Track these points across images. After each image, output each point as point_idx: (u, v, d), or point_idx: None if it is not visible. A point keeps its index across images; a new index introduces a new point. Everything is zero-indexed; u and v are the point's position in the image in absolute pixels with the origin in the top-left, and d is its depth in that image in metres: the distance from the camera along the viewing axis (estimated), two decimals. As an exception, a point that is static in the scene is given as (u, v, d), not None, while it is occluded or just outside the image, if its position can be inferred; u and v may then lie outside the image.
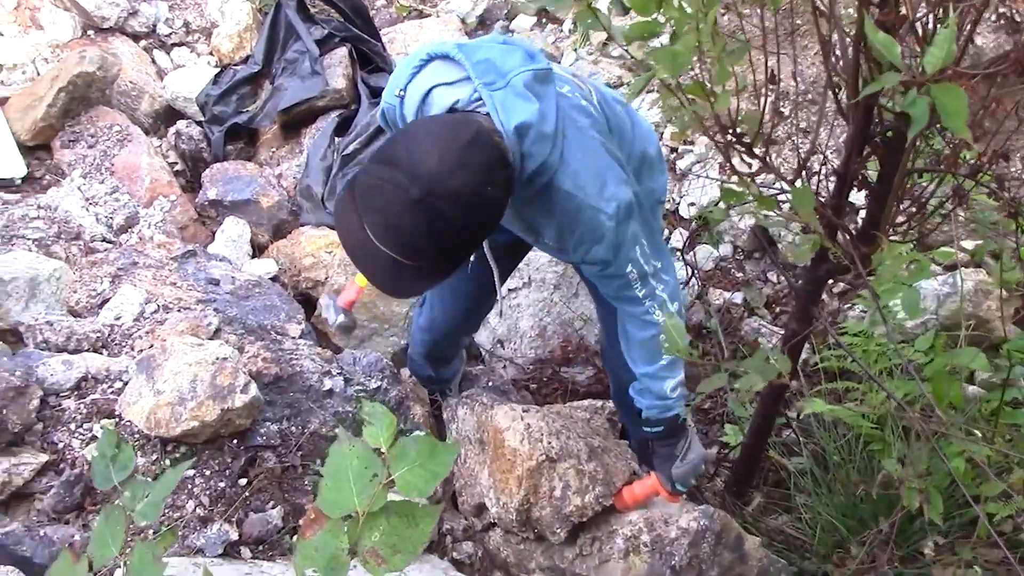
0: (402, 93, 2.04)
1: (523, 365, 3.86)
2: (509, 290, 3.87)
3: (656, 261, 2.16)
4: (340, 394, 3.13)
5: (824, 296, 4.18)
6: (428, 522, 1.71)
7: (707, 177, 4.32)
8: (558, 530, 2.72)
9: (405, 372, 3.66)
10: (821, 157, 2.46)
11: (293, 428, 2.97)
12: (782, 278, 4.25)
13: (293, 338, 3.32)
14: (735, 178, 2.13)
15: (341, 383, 3.15)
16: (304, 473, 2.92)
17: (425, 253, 1.80)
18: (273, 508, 2.77)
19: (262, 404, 2.91)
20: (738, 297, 4.22)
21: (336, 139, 4.49)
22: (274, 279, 3.95)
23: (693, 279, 4.15)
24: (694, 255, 4.24)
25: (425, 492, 1.68)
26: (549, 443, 2.76)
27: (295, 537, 2.76)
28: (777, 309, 4.19)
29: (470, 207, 1.77)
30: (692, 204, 4.41)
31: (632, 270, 2.12)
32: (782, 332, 4.01)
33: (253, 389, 2.81)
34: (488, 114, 1.89)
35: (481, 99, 1.90)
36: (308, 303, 3.95)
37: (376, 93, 4.74)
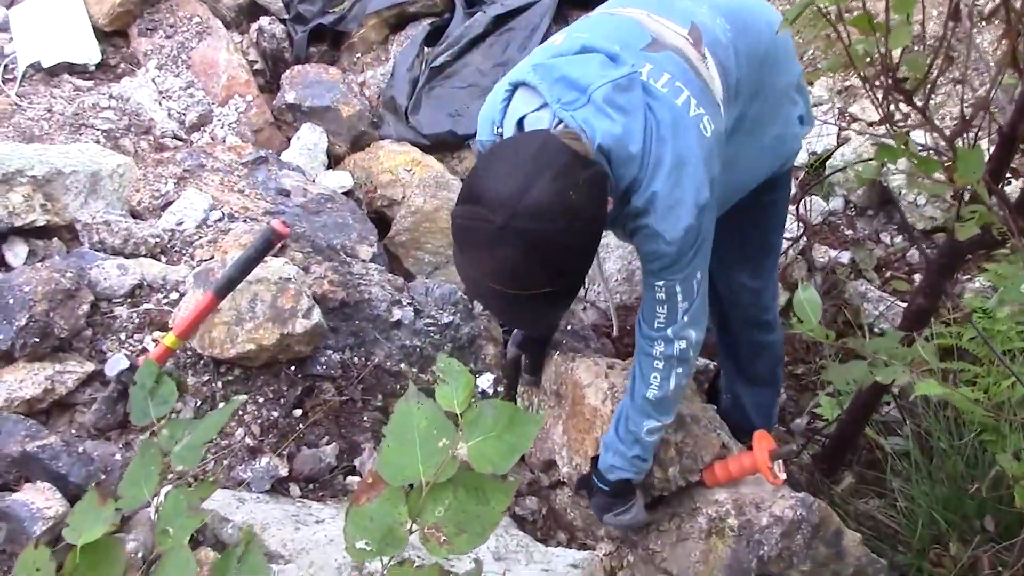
0: (500, 130, 1.90)
1: (605, 310, 3.58)
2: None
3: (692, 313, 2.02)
4: (409, 326, 2.89)
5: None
6: (502, 500, 1.47)
7: (826, 123, 3.94)
8: None
9: (480, 306, 3.42)
10: (985, 114, 2.11)
11: (356, 359, 2.76)
12: (896, 238, 3.88)
13: (363, 261, 3.08)
14: (881, 130, 1.80)
15: (411, 314, 2.92)
16: (364, 408, 2.71)
17: (535, 279, 1.69)
18: (327, 444, 2.56)
19: (325, 331, 2.69)
20: (845, 256, 3.86)
21: (426, 49, 4.20)
22: (348, 194, 3.70)
23: (802, 235, 3.80)
24: (807, 205, 3.88)
25: (502, 467, 1.44)
26: None
27: (348, 479, 2.56)
28: (887, 273, 3.83)
29: (558, 218, 1.63)
30: (809, 153, 4.03)
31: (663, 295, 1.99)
32: (891, 299, 3.67)
33: (316, 314, 2.59)
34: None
35: (563, 122, 1.76)
36: (382, 223, 3.71)
37: (473, 2, 4.42)
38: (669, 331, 2.00)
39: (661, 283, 1.94)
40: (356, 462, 2.58)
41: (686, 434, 2.43)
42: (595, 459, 2.38)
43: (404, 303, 2.94)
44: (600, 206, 1.72)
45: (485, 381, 2.95)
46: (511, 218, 1.59)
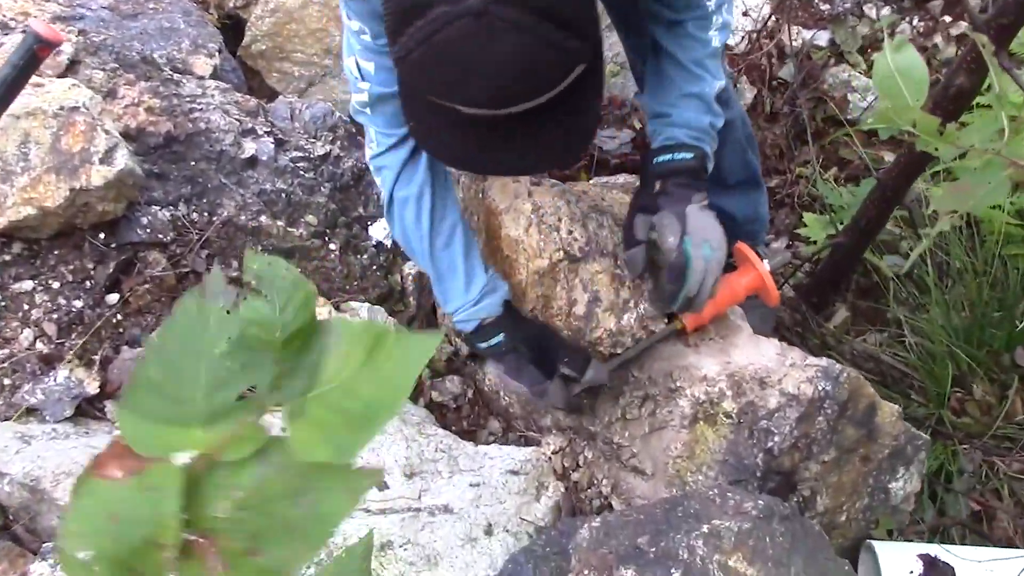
0: None
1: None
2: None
3: None
4: (268, 164, 2.12)
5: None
6: (347, 498, 0.77)
7: None
8: None
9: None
10: None
11: (195, 215, 1.99)
12: (884, 10, 3.14)
13: (200, 78, 2.26)
14: None
15: (270, 147, 2.14)
16: (212, 283, 1.97)
17: (562, 53, 1.22)
18: (159, 339, 1.83)
19: (141, 179, 1.91)
20: (823, 37, 3.12)
21: None
22: (189, -6, 2.81)
23: (769, 17, 3.04)
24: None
25: (346, 454, 0.72)
26: (570, 233, 1.82)
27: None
28: (873, 55, 3.11)
29: None
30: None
31: None
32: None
33: (122, 157, 1.80)
34: None
35: None
36: (236, 31, 2.85)
37: None
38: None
39: None
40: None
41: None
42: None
43: (260, 132, 2.16)
44: None
45: (379, 230, 2.21)
46: None
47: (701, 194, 1.68)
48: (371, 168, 1.71)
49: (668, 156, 1.68)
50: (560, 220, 1.83)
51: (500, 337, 1.73)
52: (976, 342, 2.40)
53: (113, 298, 1.83)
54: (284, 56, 2.73)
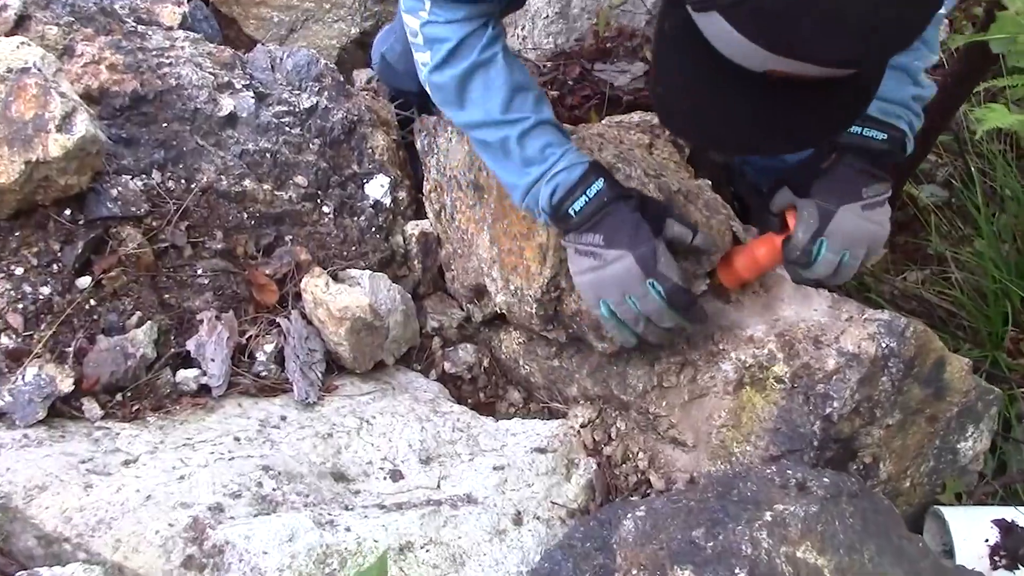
0: None
1: (536, 61, 2.59)
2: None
3: None
4: (249, 121, 1.91)
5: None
6: None
7: None
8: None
9: (359, 75, 2.42)
10: None
11: (170, 183, 1.79)
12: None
13: (167, 29, 2.03)
14: None
15: (250, 102, 1.93)
16: (194, 258, 1.77)
17: (917, 19, 1.00)
18: (139, 325, 1.64)
19: (107, 146, 1.71)
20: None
21: None
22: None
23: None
24: None
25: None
26: None
27: (180, 375, 1.66)
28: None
29: None
30: None
31: None
32: None
33: (83, 122, 1.59)
34: None
35: None
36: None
37: None
38: None
39: None
40: (190, 345, 1.68)
41: (680, 221, 1.57)
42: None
43: (238, 86, 1.94)
44: None
45: (376, 188, 2.01)
46: None
47: (878, 186, 1.48)
48: (418, 37, 1.55)
49: (856, 128, 1.45)
50: None
51: (601, 183, 1.49)
52: (1033, 278, 2.22)
53: (84, 281, 1.63)
54: (261, 1, 2.50)
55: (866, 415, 1.50)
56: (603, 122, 2.25)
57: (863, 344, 1.48)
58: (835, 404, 1.48)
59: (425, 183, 2.04)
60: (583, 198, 1.47)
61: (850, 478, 1.39)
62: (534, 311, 1.71)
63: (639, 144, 2.00)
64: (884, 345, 1.47)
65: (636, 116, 2.24)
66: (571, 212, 1.48)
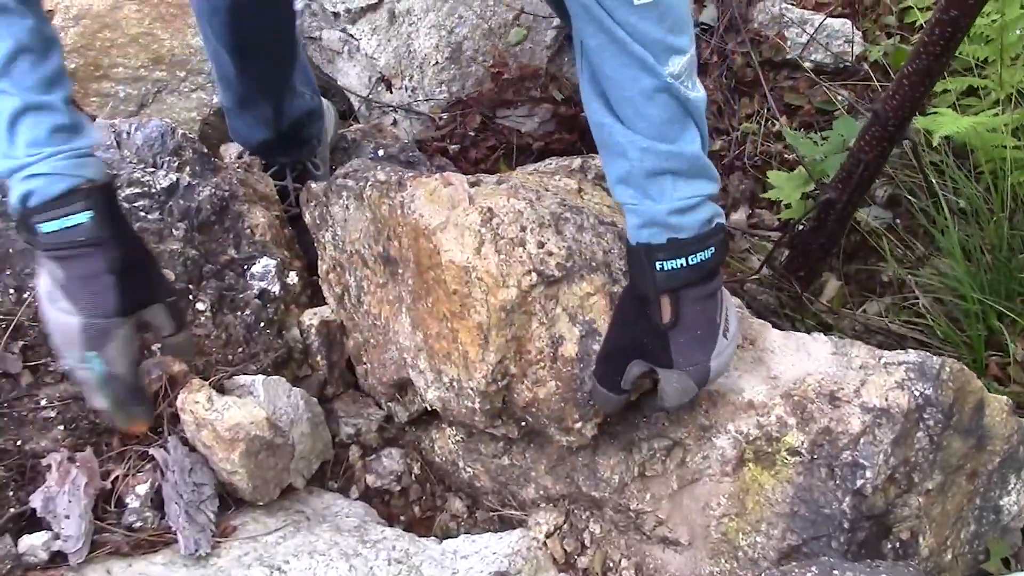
0: None
1: (431, 113, 2.29)
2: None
3: None
4: (93, 209, 1.55)
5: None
6: None
7: None
8: (578, 423, 1.32)
9: (228, 149, 2.09)
10: None
11: (-5, 295, 1.41)
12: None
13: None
14: None
15: (93, 186, 1.56)
16: (35, 386, 1.39)
17: None
18: (-39, 485, 1.25)
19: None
20: (741, -30, 2.70)
21: None
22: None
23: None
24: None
25: None
26: (541, 247, 1.31)
27: (23, 541, 1.27)
28: (801, -19, 2.70)
29: None
30: None
31: None
32: (819, 17, 2.56)
33: None
34: None
35: None
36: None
37: None
38: None
39: None
40: (35, 501, 1.28)
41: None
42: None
43: (75, 168, 1.58)
44: None
45: (260, 271, 1.66)
46: None
47: (726, 298, 1.22)
48: None
49: (677, 261, 1.14)
50: (525, 230, 1.31)
51: (86, 218, 1.15)
52: (1005, 293, 2.00)
53: None
54: (102, 74, 2.14)
55: (903, 482, 1.22)
56: (515, 172, 1.96)
57: (891, 395, 1.19)
58: (867, 474, 1.19)
59: (320, 263, 1.71)
60: (56, 223, 1.15)
61: (910, 565, 1.09)
62: (478, 406, 1.37)
63: (568, 190, 1.71)
64: (918, 394, 1.19)
65: (552, 162, 1.95)
66: (39, 229, 1.15)
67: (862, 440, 1.19)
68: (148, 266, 1.27)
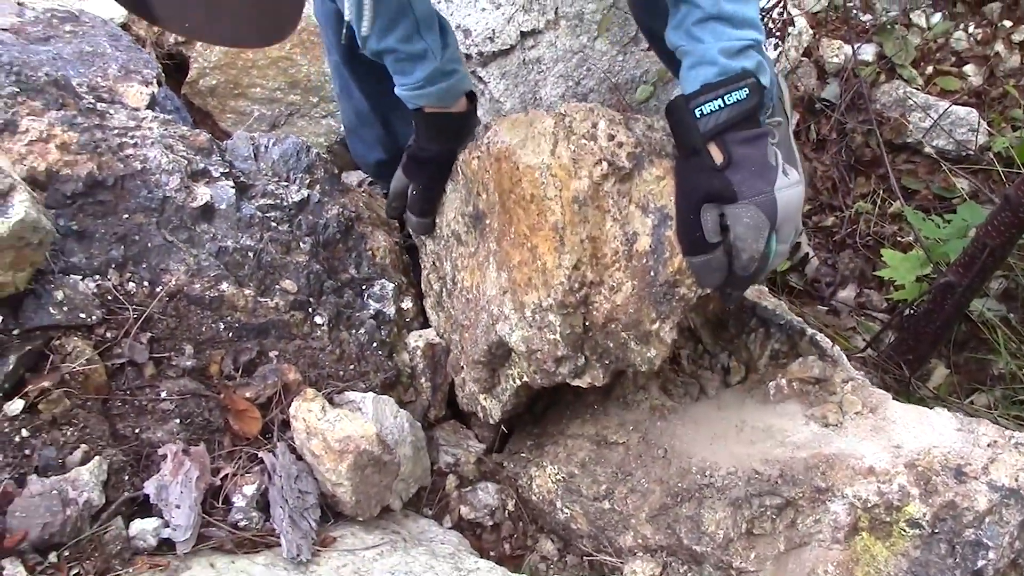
0: None
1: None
2: (522, 34, 2.26)
3: None
4: (228, 214, 1.60)
5: None
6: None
7: None
8: (655, 323, 1.33)
9: (349, 177, 2.14)
10: None
11: (131, 285, 1.46)
12: (934, 17, 2.73)
13: (133, 109, 1.73)
14: None
15: (230, 192, 1.62)
16: (158, 377, 1.42)
17: None
18: (84, 462, 1.28)
19: (53, 238, 1.37)
20: (868, 51, 2.70)
21: None
22: (125, 27, 2.30)
23: (792, 27, 2.61)
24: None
25: None
26: (611, 139, 1.33)
27: (133, 526, 1.29)
28: (929, 69, 2.68)
29: None
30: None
31: None
32: (943, 103, 2.54)
33: (21, 203, 1.27)
34: None
35: None
36: (180, 73, 2.34)
37: None
38: None
39: None
40: (149, 487, 1.31)
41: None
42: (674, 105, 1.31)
43: (215, 174, 1.63)
44: None
45: (378, 295, 1.69)
46: None
47: (773, 133, 1.29)
48: None
49: (714, 103, 1.22)
50: (596, 126, 1.33)
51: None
52: None
53: (16, 406, 1.27)
54: (240, 92, 2.22)
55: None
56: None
57: (1021, 476, 1.16)
58: (990, 555, 1.15)
59: (422, 270, 1.77)
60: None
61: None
62: (559, 331, 1.36)
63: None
64: (1054, 474, 1.15)
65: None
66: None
67: (987, 519, 1.16)
68: None
